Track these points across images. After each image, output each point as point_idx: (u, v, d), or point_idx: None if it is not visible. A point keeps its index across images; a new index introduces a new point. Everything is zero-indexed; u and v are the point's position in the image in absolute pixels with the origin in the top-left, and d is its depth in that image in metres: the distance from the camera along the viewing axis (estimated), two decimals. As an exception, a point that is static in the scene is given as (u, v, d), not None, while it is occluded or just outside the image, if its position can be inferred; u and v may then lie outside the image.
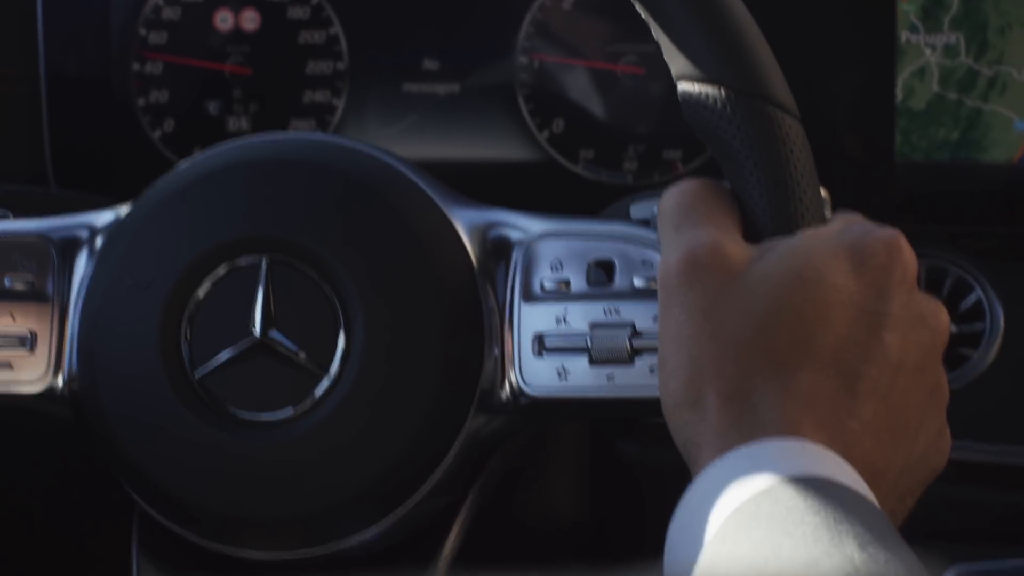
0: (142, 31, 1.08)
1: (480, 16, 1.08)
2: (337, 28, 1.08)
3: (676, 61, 0.68)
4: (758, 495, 0.56)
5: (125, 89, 1.08)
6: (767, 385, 0.61)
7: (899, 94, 1.04)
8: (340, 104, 1.08)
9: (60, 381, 0.75)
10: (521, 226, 0.75)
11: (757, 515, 0.56)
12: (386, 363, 0.71)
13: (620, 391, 0.72)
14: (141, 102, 1.08)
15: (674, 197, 0.67)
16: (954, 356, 1.05)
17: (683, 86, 0.68)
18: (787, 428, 0.59)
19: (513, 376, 0.73)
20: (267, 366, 0.72)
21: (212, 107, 1.09)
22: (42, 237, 0.76)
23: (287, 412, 0.72)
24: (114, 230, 0.76)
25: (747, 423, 0.60)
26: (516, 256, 0.74)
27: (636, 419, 1.03)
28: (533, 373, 0.73)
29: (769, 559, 0.54)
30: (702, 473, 0.60)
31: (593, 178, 1.08)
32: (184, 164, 0.76)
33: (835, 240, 0.64)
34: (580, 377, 0.73)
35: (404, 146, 1.04)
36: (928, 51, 1.04)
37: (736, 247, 0.64)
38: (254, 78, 1.09)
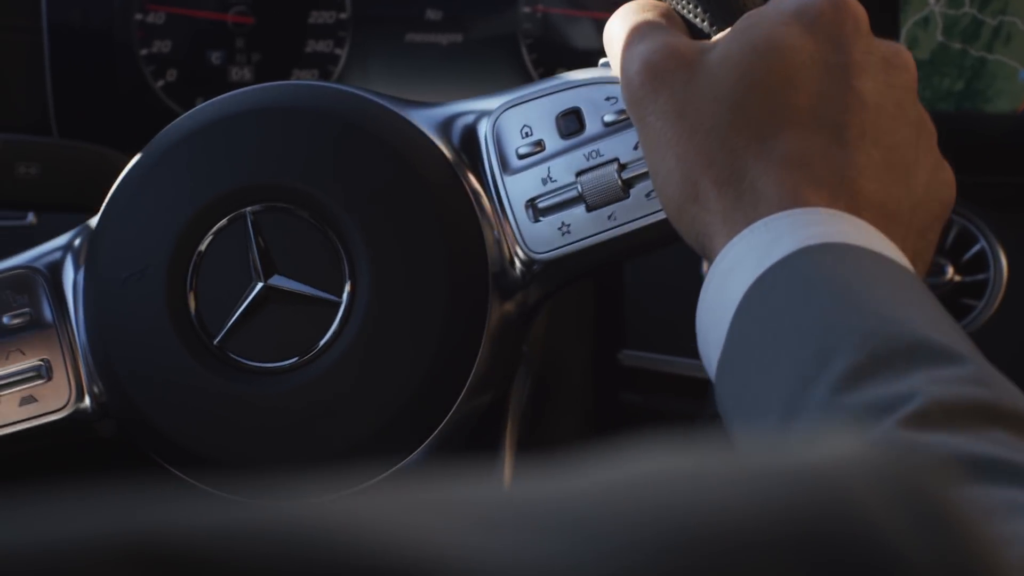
0: (144, -19, 1.08)
1: (483, -35, 1.07)
2: (339, -23, 1.08)
3: None
4: (773, 268, 0.57)
5: (127, 39, 1.08)
6: (758, 160, 0.61)
7: (903, 44, 1.04)
8: (343, 54, 1.08)
9: (87, 399, 0.76)
10: (478, 108, 0.75)
11: (774, 287, 0.57)
12: (396, 277, 0.71)
13: (625, 226, 0.72)
14: (144, 52, 1.08)
15: (615, 21, 0.68)
16: (957, 307, 1.05)
17: None
18: (788, 196, 0.60)
19: (519, 250, 0.73)
20: (280, 312, 0.72)
21: (215, 57, 1.08)
22: (26, 268, 0.77)
23: (315, 348, 0.72)
24: (94, 236, 0.75)
25: (748, 202, 0.61)
26: (484, 136, 0.74)
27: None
28: (536, 239, 0.73)
29: (788, 327, 0.55)
30: (716, 259, 0.60)
31: (596, 128, 1.08)
32: (149, 146, 0.76)
33: (779, 10, 0.64)
34: (583, 227, 0.72)
35: (406, 96, 1.04)
36: (932, 0, 1.03)
37: (688, 44, 0.65)
38: (257, 28, 1.08)
